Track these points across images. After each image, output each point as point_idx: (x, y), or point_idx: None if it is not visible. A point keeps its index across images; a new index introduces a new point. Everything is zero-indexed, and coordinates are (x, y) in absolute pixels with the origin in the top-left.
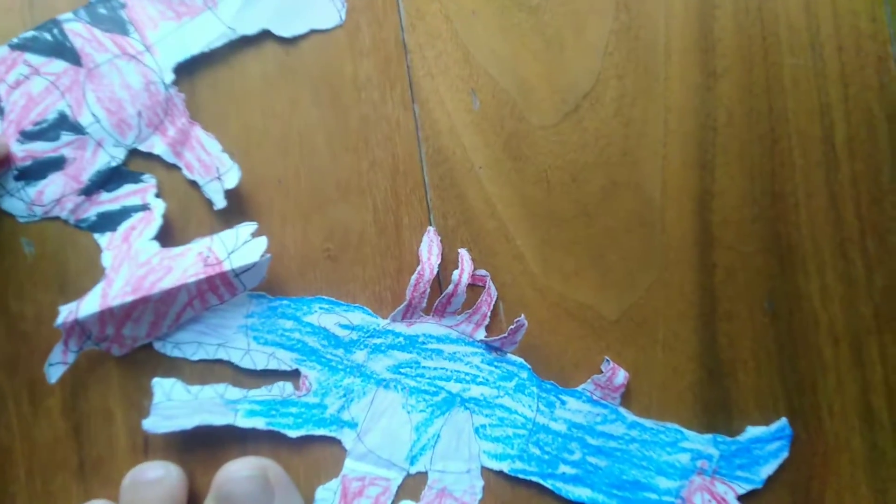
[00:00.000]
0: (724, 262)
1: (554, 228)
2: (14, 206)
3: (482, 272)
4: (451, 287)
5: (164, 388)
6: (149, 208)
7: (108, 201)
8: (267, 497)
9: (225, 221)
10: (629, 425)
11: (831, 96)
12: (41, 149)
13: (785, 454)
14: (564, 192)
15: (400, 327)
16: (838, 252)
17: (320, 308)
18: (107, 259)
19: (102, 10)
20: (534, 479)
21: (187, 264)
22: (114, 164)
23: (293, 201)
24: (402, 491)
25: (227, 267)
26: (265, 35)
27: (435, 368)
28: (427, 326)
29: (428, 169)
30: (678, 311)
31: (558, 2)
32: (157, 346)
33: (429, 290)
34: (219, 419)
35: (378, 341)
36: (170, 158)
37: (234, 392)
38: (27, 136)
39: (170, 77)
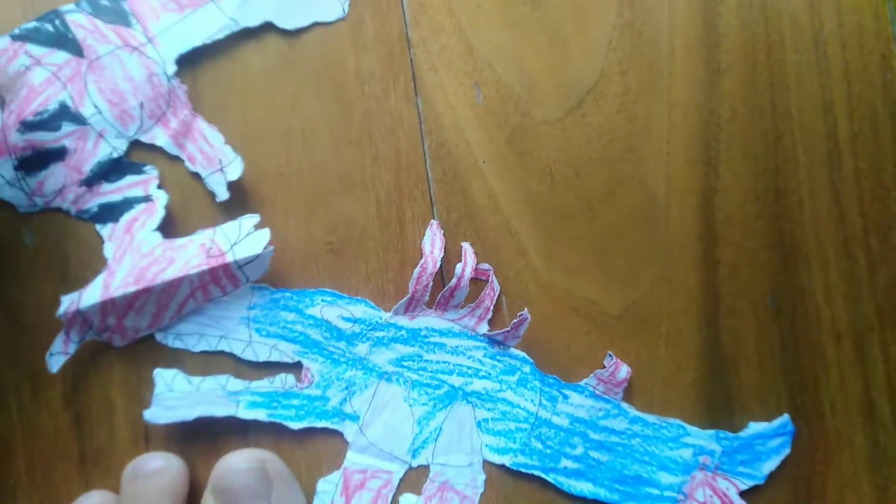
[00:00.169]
0: (727, 258)
1: (557, 223)
2: (15, 196)
3: (485, 266)
4: (453, 280)
5: (166, 379)
6: (151, 199)
7: (110, 192)
8: (265, 489)
9: (227, 214)
10: (631, 420)
11: (834, 93)
12: (42, 139)
13: (787, 450)
14: (568, 188)
15: (402, 320)
16: (841, 249)
17: (323, 301)
18: (109, 250)
19: (104, 1)
20: (536, 473)
21: (190, 255)
22: (115, 155)
23: (296, 194)
24: (403, 484)
25: (230, 258)
26: (267, 27)
27: (437, 362)
28: (430, 320)
29: (431, 163)
30: (681, 307)
31: None
32: (159, 337)
33: (432, 283)
34: (220, 410)
35: (380, 334)
36: (172, 150)
37: (235, 384)
38: (28, 127)
39: (172, 69)
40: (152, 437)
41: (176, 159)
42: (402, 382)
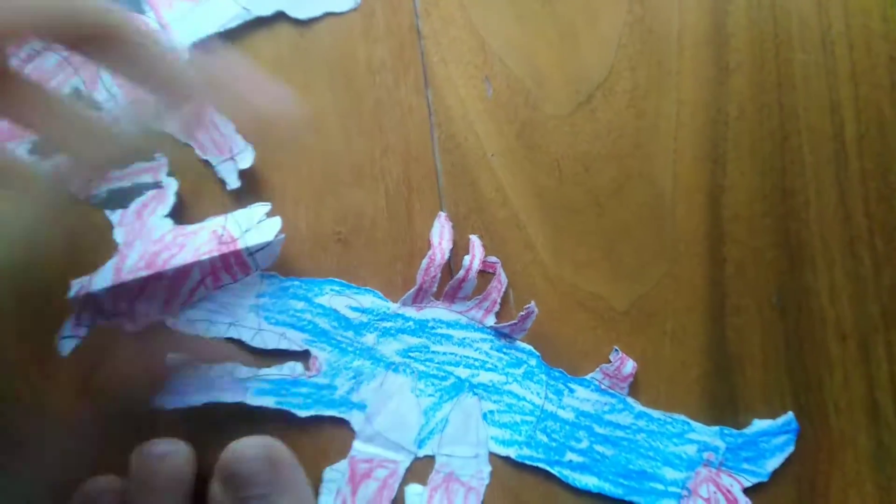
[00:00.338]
0: (733, 256)
1: (565, 218)
2: None
3: (493, 259)
4: (461, 272)
5: (176, 365)
6: (161, 186)
7: (120, 178)
8: (272, 476)
9: (237, 201)
10: (637, 415)
11: (841, 94)
12: None
13: (791, 448)
14: (577, 183)
15: (410, 311)
16: (847, 249)
17: (331, 290)
18: (119, 235)
19: None
20: (541, 465)
21: (201, 242)
22: None
23: (306, 184)
24: (409, 474)
25: (241, 245)
26: (280, 17)
27: (444, 353)
28: (437, 311)
29: (440, 155)
30: (687, 304)
31: None
32: (169, 323)
33: (439, 275)
34: (229, 396)
35: (388, 325)
36: (183, 138)
37: (244, 370)
38: None
39: (185, 57)
40: (160, 423)
41: (186, 146)
42: (409, 373)
